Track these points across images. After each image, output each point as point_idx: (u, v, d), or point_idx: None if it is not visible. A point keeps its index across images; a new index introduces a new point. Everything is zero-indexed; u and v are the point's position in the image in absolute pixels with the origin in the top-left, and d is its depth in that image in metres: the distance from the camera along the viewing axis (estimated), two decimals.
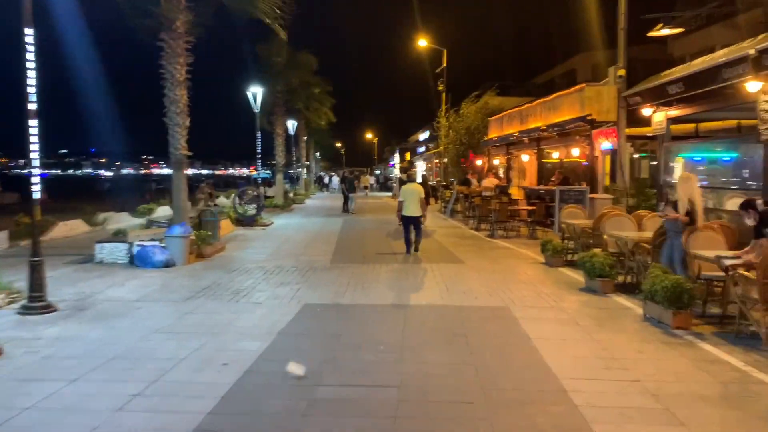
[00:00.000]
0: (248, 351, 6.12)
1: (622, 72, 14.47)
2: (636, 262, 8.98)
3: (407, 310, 8.05)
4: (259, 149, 24.01)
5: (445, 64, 39.22)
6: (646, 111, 13.58)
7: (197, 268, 11.35)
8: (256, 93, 23.80)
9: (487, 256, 13.32)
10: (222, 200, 28.60)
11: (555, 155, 21.72)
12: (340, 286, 9.63)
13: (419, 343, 6.45)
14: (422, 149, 64.84)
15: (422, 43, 39.51)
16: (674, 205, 8.20)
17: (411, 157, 73.37)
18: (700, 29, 22.77)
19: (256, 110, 23.77)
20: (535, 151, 22.22)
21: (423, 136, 69.59)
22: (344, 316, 7.72)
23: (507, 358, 5.96)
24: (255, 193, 20.98)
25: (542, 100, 21.06)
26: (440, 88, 39.10)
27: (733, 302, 7.33)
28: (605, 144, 16.14)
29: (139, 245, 11.60)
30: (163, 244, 11.75)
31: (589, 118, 16.55)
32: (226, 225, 17.83)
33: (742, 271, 6.61)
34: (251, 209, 20.71)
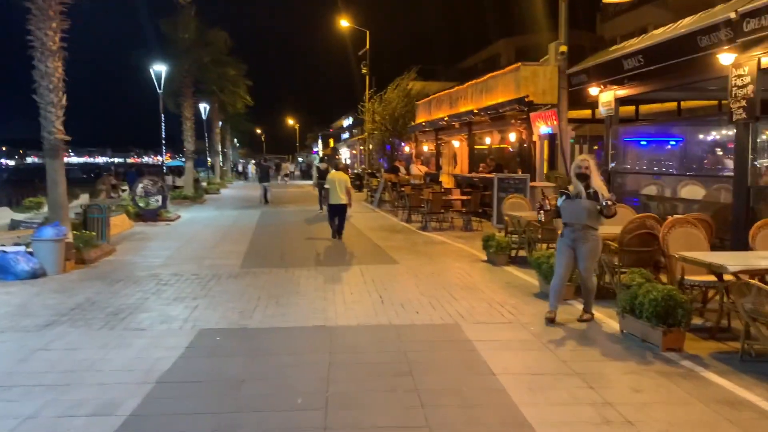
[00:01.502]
0: (105, 420, 4.25)
1: (563, 48, 13.25)
2: (606, 264, 7.65)
3: (333, 334, 6.34)
4: (163, 134, 21.55)
5: (368, 46, 37.54)
6: (592, 90, 12.40)
7: (73, 279, 9.20)
8: (159, 72, 21.28)
9: (423, 253, 11.80)
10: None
11: (488, 140, 20.51)
12: (249, 300, 7.81)
13: (351, 392, 4.77)
14: (346, 135, 63.03)
15: (344, 23, 37.60)
16: (592, 195, 6.66)
17: (335, 144, 71.43)
18: (630, 9, 22.24)
19: (160, 91, 21.28)
20: (467, 136, 20.94)
21: (347, 122, 67.76)
22: (251, 347, 5.93)
23: (472, 413, 4.37)
24: (148, 184, 18.55)
25: (473, 81, 19.77)
26: (364, 71, 37.40)
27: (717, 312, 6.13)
28: (544, 128, 14.96)
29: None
30: (30, 250, 9.51)
31: (526, 99, 15.36)
32: (121, 221, 15.50)
33: (754, 281, 5.32)
34: (153, 201, 18.35)
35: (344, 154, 61.82)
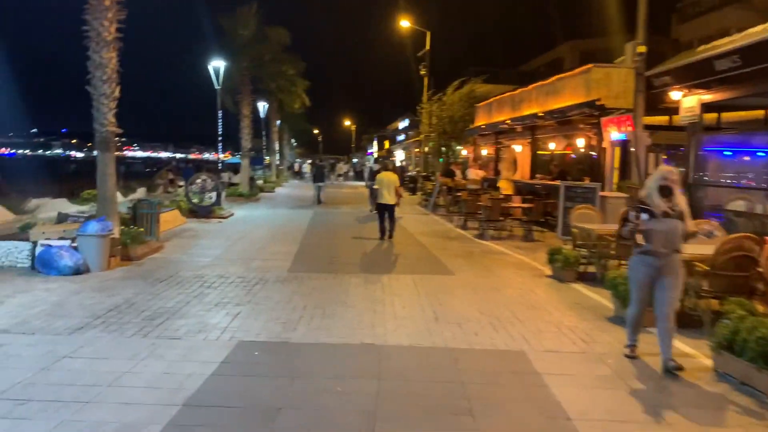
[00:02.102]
0: None
1: (642, 49, 12.21)
2: (692, 288, 6.73)
3: (382, 355, 5.69)
4: (220, 130, 21.42)
5: (428, 47, 36.83)
6: (674, 95, 11.36)
7: (115, 277, 8.86)
8: (217, 68, 21.15)
9: (480, 264, 11.04)
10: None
11: (552, 146, 19.50)
12: (294, 309, 7.24)
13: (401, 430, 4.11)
14: (402, 137, 62.48)
15: (405, 24, 36.98)
16: (677, 214, 5.46)
17: (390, 146, 71.01)
18: (711, 11, 20.81)
19: (217, 87, 21.14)
20: (529, 140, 19.98)
21: (403, 124, 67.24)
22: (291, 367, 5.33)
23: None
24: (203, 180, 18.33)
25: (539, 83, 18.82)
26: (422, 72, 36.69)
27: None
28: (615, 134, 13.94)
29: (44, 245, 9.08)
30: (75, 244, 9.24)
31: (598, 103, 14.38)
32: (174, 217, 15.30)
33: None
34: (207, 198, 18.15)
35: (399, 156, 61.30)
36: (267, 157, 46.27)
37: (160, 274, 9.14)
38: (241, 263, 10.34)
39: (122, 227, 10.87)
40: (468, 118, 30.71)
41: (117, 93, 10.92)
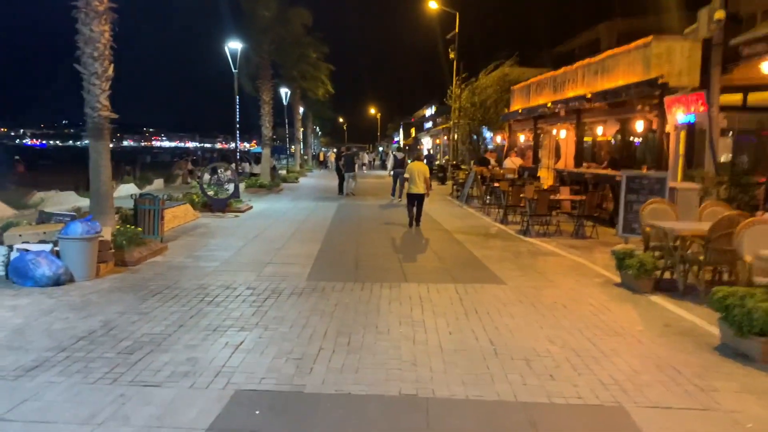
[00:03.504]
0: None
1: (720, 15, 10.39)
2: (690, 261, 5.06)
3: (431, 416, 4.13)
4: (237, 117, 19.98)
5: (457, 30, 34.96)
6: (767, 66, 9.53)
7: (102, 289, 7.43)
8: (234, 50, 19.66)
9: (532, 268, 9.40)
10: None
11: (600, 130, 17.67)
12: (311, 337, 5.71)
13: None
14: (429, 125, 60.65)
15: (432, 5, 35.13)
16: None
17: (416, 134, 69.23)
18: None
19: (234, 71, 19.67)
20: (574, 125, 18.15)
21: (429, 111, 65.36)
22: None
23: None
24: (219, 171, 16.94)
25: (586, 61, 16.97)
26: (452, 56, 34.87)
27: None
28: (682, 115, 12.12)
29: (20, 249, 7.70)
30: (57, 249, 7.85)
31: (660, 81, 12.56)
32: (184, 212, 13.92)
33: None
34: (223, 191, 16.75)
35: (426, 144, 59.52)
36: (293, 146, 44.81)
37: (155, 285, 7.69)
38: (253, 269, 8.86)
39: (118, 227, 9.47)
40: (501, 102, 28.91)
41: (110, 72, 9.51)
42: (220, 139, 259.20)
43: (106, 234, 8.52)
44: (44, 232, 8.02)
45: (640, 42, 13.83)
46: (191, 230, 12.75)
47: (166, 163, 52.49)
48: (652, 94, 12.99)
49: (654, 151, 13.79)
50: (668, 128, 12.78)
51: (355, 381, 4.65)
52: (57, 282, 7.42)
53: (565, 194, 13.75)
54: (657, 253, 8.48)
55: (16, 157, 41.79)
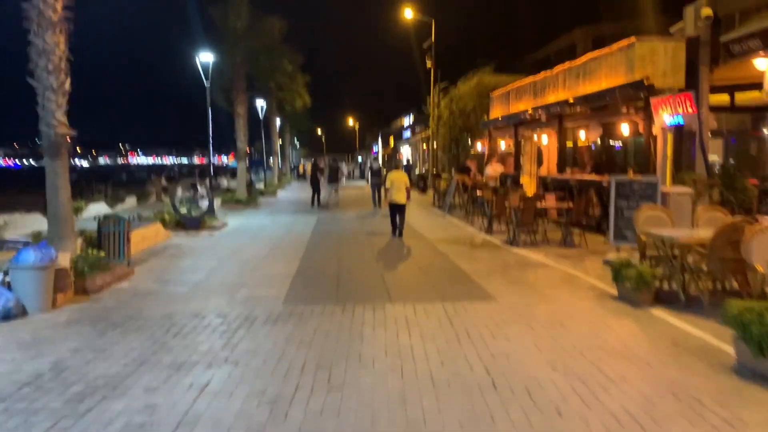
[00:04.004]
0: None
1: (707, 12, 10.04)
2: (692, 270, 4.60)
3: None
4: (210, 131, 19.31)
5: (433, 38, 34.66)
6: (761, 63, 9.17)
7: (57, 322, 6.76)
8: (206, 63, 19.03)
9: (523, 281, 8.90)
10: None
11: (582, 135, 17.33)
12: (288, 372, 5.11)
13: None
14: (407, 134, 60.31)
15: (408, 14, 34.81)
16: None
17: (395, 143, 68.84)
18: None
19: (207, 84, 19.02)
20: (556, 130, 17.78)
21: (407, 120, 65.04)
22: None
23: None
24: (189, 189, 16.27)
25: (567, 65, 16.62)
26: (428, 64, 34.53)
27: None
28: (669, 117, 11.75)
29: None
30: (9, 279, 7.17)
31: (646, 83, 12.21)
32: (154, 232, 13.22)
33: None
34: (196, 208, 16.06)
35: (405, 153, 59.13)
36: (271, 159, 44.00)
37: (117, 315, 7.04)
38: (226, 293, 8.23)
39: (80, 252, 8.80)
40: (480, 110, 28.58)
41: (67, 86, 8.84)
42: (197, 154, 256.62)
43: (65, 260, 7.83)
44: None
45: (622, 43, 13.49)
46: (161, 251, 12.07)
47: (143, 180, 51.45)
48: (638, 96, 12.63)
49: (640, 154, 13.42)
50: (655, 130, 12.42)
51: (337, 428, 4.06)
52: (6, 316, 6.74)
53: (551, 201, 13.31)
54: (654, 263, 8.05)
55: None
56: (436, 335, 6.13)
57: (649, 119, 12.45)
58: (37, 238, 9.72)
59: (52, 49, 8.56)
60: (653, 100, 12.06)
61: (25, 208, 17.73)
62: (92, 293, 8.12)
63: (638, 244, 8.49)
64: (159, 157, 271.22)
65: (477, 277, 9.17)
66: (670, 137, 12.34)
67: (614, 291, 8.05)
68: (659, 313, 7.02)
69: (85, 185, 28.26)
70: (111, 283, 8.63)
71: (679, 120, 11.41)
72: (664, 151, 12.36)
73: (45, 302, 7.16)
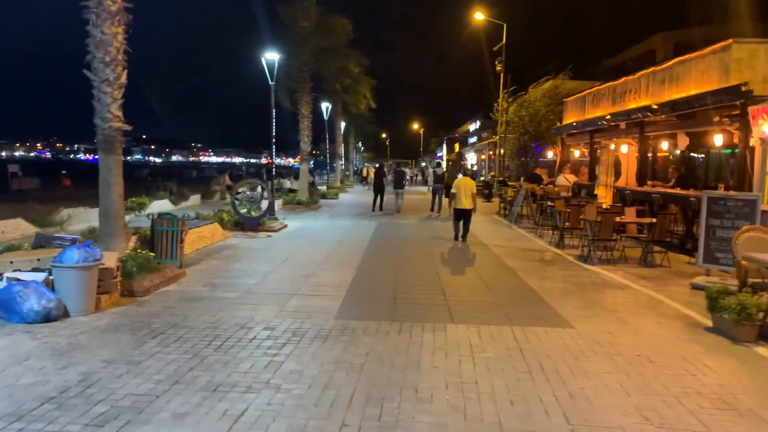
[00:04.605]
0: None
1: None
2: None
3: None
4: (274, 131, 19.07)
5: (504, 41, 33.64)
6: None
7: (97, 327, 6.38)
8: (272, 61, 18.81)
9: (601, 305, 7.99)
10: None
11: (665, 145, 16.08)
12: (333, 403, 4.48)
13: None
14: (473, 140, 59.25)
15: (479, 16, 33.94)
16: None
17: (460, 149, 67.85)
18: None
19: (271, 83, 18.79)
20: (636, 139, 16.57)
21: (473, 125, 64.00)
22: None
23: None
24: (251, 189, 15.99)
25: (650, 69, 15.42)
26: (498, 68, 33.50)
27: None
28: None
29: (10, 279, 6.74)
30: (53, 278, 6.87)
31: (744, 89, 11.01)
32: (212, 232, 12.95)
33: None
34: (256, 208, 15.77)
35: (471, 159, 58.05)
36: (342, 162, 43.87)
37: (159, 322, 6.61)
38: (276, 301, 7.71)
39: (129, 251, 8.49)
40: (552, 116, 27.39)
41: (123, 79, 8.57)
42: (265, 155, 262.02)
43: (112, 260, 7.50)
44: (38, 259, 7.06)
45: (716, 46, 12.28)
46: (217, 252, 11.73)
47: (212, 177, 52.41)
48: (733, 103, 11.42)
49: (733, 167, 12.17)
50: (753, 142, 11.18)
51: None
52: (47, 318, 6.41)
53: (630, 216, 12.24)
54: (754, 291, 7.02)
55: (63, 172, 42.04)
56: (504, 367, 5.37)
57: (746, 129, 11.21)
58: (90, 235, 9.52)
59: (109, 40, 8.30)
60: (752, 109, 10.83)
61: (91, 203, 17.96)
62: (139, 296, 7.77)
63: (737, 269, 7.45)
64: (228, 157, 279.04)
65: (549, 298, 8.33)
66: None
67: (707, 321, 7.09)
68: (765, 352, 6.04)
69: (151, 181, 28.76)
70: (159, 286, 8.27)
71: None
72: (763, 165, 11.10)
73: (87, 304, 6.81)
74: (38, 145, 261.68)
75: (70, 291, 6.69)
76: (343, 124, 43.19)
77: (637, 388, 4.96)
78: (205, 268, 10.01)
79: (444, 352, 5.76)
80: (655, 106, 14.25)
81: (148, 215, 10.96)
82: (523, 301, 8.21)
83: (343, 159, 48.15)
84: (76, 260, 6.71)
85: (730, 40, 11.83)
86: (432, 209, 21.77)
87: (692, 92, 12.95)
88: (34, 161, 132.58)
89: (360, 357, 5.55)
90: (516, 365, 5.43)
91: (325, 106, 34.16)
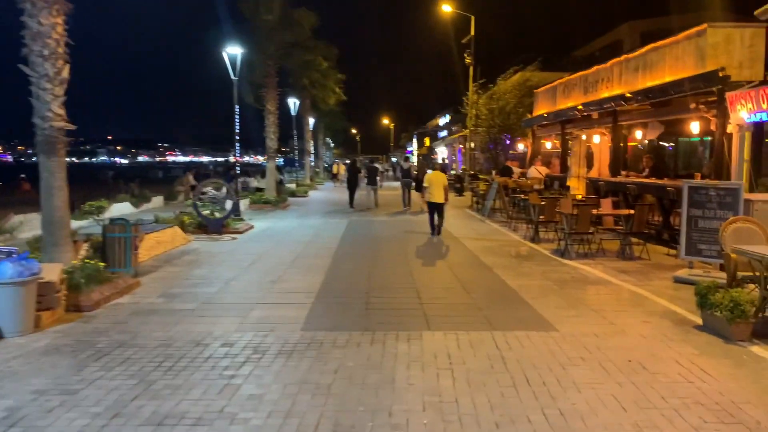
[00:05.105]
0: None
1: None
2: None
3: None
4: (237, 128, 18.35)
5: (472, 33, 33.29)
6: None
7: (32, 350, 5.71)
8: (233, 55, 18.08)
9: (585, 304, 7.56)
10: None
11: (638, 134, 15.81)
12: None
13: None
14: (444, 134, 58.93)
15: (446, 8, 33.54)
16: None
17: (431, 143, 67.50)
18: None
19: (234, 78, 18.07)
20: (609, 129, 16.28)
21: (443, 119, 63.66)
22: None
23: None
24: (216, 189, 15.29)
25: (623, 57, 15.11)
26: (467, 61, 33.17)
27: None
28: (747, 114, 10.24)
29: None
30: None
31: (721, 74, 10.72)
32: (171, 236, 12.22)
33: None
34: (219, 210, 15.07)
35: (441, 153, 57.74)
36: (311, 158, 43.08)
37: (107, 340, 5.96)
38: (238, 312, 7.11)
39: (76, 262, 7.79)
40: (522, 108, 27.09)
41: (65, 74, 7.84)
42: (233, 153, 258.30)
43: (54, 273, 6.82)
44: None
45: (691, 31, 11.98)
46: (177, 258, 11.05)
47: (179, 177, 51.14)
48: (710, 89, 11.13)
49: (713, 155, 11.90)
50: (731, 129, 10.90)
51: None
52: None
53: (607, 208, 11.90)
54: (742, 286, 6.66)
55: (22, 176, 40.51)
56: (487, 381, 4.88)
57: (723, 116, 10.93)
58: (37, 244, 8.77)
59: (47, 31, 7.56)
60: (729, 95, 10.55)
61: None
62: (86, 310, 7.09)
63: (726, 262, 7.08)
64: (195, 156, 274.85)
65: (529, 297, 7.88)
66: (748, 137, 10.80)
67: (696, 318, 6.74)
68: (760, 351, 5.66)
69: (113, 184, 27.70)
70: (111, 298, 7.60)
71: (763, 116, 9.89)
72: (741, 152, 10.83)
73: (24, 324, 6.13)
74: None
75: (4, 309, 6.00)
76: (312, 120, 42.41)
77: (632, 400, 4.51)
78: (163, 276, 9.34)
79: (420, 365, 5.24)
80: (628, 95, 13.96)
81: (108, 220, 10.23)
82: (502, 301, 7.75)
83: (312, 156, 47.37)
84: (10, 275, 6.02)
85: (705, 25, 11.54)
86: (404, 204, 21.68)
87: (667, 79, 12.65)
88: None
89: (328, 375, 4.99)
90: (499, 378, 4.94)
91: (293, 101, 33.42)
